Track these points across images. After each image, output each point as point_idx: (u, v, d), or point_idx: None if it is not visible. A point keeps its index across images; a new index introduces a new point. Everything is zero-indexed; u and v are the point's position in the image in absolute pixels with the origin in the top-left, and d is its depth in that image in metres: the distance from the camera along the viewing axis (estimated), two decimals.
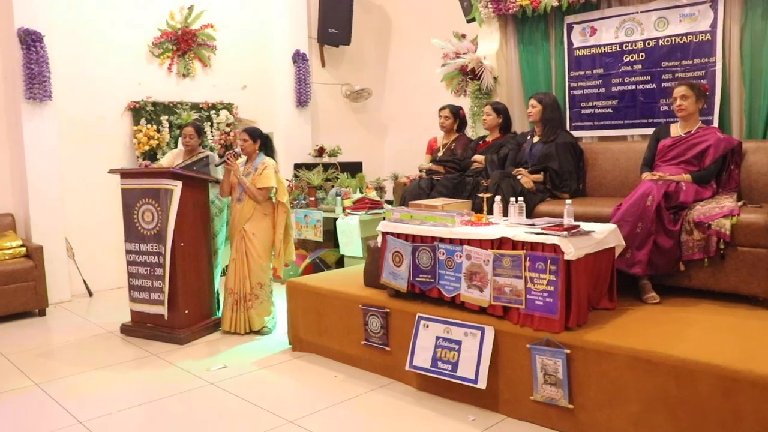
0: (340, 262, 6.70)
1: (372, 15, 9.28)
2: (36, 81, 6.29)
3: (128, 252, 5.28)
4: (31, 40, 6.25)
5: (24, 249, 6.16)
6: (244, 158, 5.34)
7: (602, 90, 5.62)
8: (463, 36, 7.62)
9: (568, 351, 3.22)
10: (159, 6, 7.40)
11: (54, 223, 6.56)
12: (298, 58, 8.36)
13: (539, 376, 3.33)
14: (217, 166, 5.53)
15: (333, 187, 7.08)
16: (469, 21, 7.05)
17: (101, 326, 5.64)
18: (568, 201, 3.78)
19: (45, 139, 6.47)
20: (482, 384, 3.48)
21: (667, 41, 5.22)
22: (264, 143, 5.32)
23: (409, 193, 5.18)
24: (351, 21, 8.70)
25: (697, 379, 2.83)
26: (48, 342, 5.43)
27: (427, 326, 3.79)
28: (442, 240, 3.84)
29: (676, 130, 4.43)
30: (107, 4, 7.03)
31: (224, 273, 5.52)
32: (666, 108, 5.21)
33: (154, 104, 7.28)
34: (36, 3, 6.38)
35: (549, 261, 3.34)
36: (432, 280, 3.89)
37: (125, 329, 5.37)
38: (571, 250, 3.28)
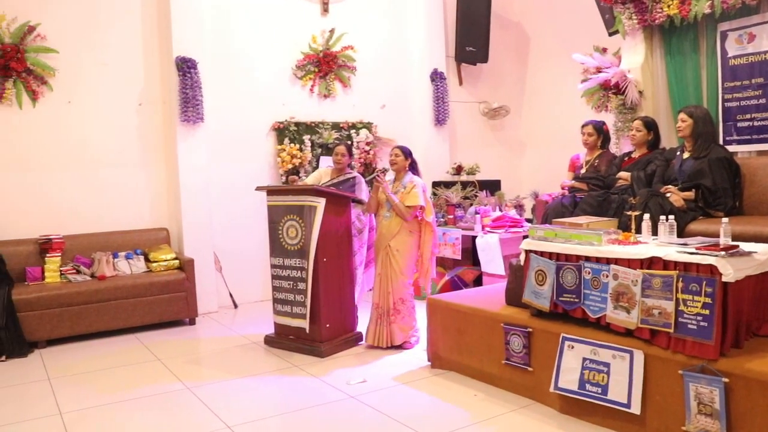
0: (478, 281, 6.66)
1: (509, 32, 9.23)
2: (190, 104, 6.74)
3: (273, 266, 5.49)
4: (186, 67, 6.72)
5: (177, 261, 6.60)
6: (392, 176, 5.46)
7: (762, 101, 5.26)
8: (605, 50, 7.43)
9: (726, 380, 3.01)
10: (302, 30, 7.75)
11: (204, 237, 6.98)
12: (436, 77, 8.45)
13: (692, 405, 3.13)
14: (367, 182, 5.66)
15: (471, 205, 7.07)
16: (611, 34, 6.87)
17: (246, 337, 5.92)
18: (725, 220, 3.56)
19: (197, 158, 6.92)
20: (635, 409, 3.33)
21: None
22: (413, 163, 5.42)
23: (552, 211, 5.07)
24: (488, 39, 8.70)
25: None
26: (197, 349, 5.78)
27: (572, 347, 3.68)
28: (587, 259, 3.73)
29: None
30: (254, 31, 7.45)
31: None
32: None
33: (297, 124, 7.59)
34: (191, 33, 6.88)
35: (705, 283, 3.15)
36: (576, 300, 3.78)
37: (269, 340, 5.58)
38: (730, 271, 3.08)
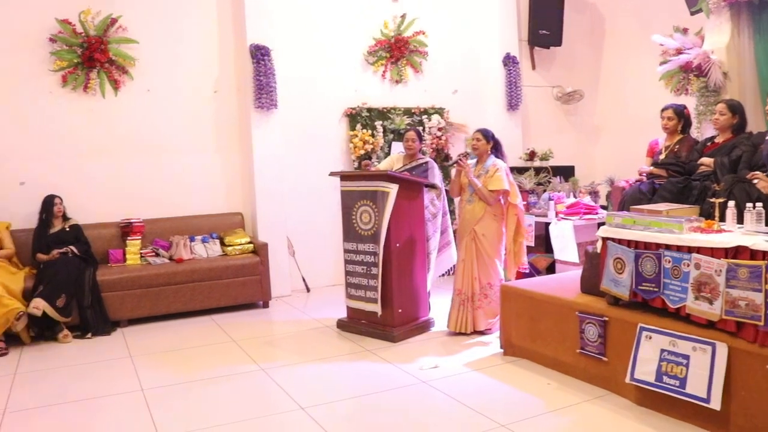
0: (551, 268, 6.56)
1: (584, 14, 8.99)
2: (264, 91, 6.85)
3: (346, 251, 5.52)
4: (260, 55, 6.82)
5: (251, 245, 6.74)
6: (474, 160, 5.41)
7: None
8: (685, 30, 7.15)
9: None
10: (374, 16, 7.76)
11: (277, 222, 7.10)
12: (509, 62, 8.32)
13: None
14: (449, 166, 5.61)
15: (545, 191, 6.95)
16: (693, 13, 6.61)
17: (318, 320, 6.00)
18: None
19: (271, 144, 7.03)
20: (716, 404, 3.21)
21: None
22: (495, 146, 5.35)
23: (629, 198, 4.92)
24: (562, 21, 8.51)
25: None
26: (271, 332, 5.89)
27: (650, 338, 3.58)
28: (668, 247, 3.61)
29: None
30: (326, 18, 7.51)
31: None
32: None
33: (369, 110, 7.62)
34: (265, 21, 6.98)
35: None
36: (656, 289, 3.67)
37: (341, 324, 5.63)
38: None
